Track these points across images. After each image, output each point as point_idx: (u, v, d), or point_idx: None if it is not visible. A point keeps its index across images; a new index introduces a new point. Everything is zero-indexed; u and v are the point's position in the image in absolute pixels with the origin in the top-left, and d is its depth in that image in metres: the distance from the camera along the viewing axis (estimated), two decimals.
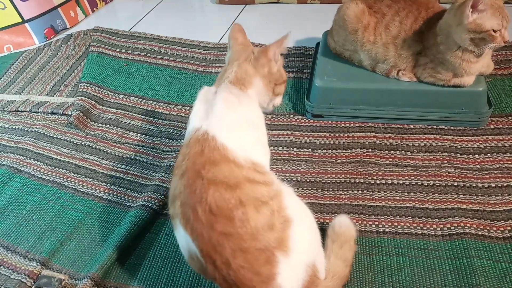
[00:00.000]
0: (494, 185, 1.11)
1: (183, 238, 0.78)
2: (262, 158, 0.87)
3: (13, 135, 1.47)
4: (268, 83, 0.95)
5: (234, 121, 0.85)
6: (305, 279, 0.78)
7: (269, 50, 0.93)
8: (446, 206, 1.07)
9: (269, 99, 0.97)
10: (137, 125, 1.47)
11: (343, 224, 0.97)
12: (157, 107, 1.54)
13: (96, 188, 1.25)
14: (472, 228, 1.01)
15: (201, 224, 0.73)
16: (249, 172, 0.78)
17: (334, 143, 1.30)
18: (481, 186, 1.11)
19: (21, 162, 1.34)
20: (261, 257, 0.73)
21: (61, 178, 1.28)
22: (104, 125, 1.48)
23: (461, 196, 1.09)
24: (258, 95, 0.94)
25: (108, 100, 1.60)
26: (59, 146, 1.39)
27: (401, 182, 1.15)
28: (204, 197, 0.73)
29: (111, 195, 1.22)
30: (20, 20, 2.03)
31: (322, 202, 1.12)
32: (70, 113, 1.52)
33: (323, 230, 1.05)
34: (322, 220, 1.08)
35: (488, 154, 1.20)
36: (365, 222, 1.06)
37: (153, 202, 1.14)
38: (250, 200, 0.74)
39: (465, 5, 1.09)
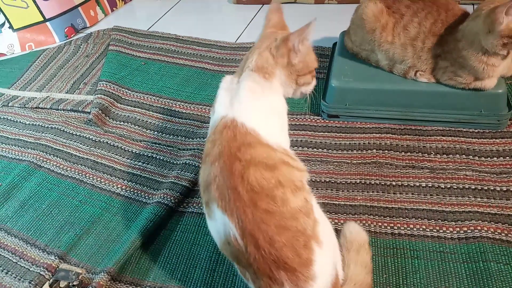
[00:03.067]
0: None
1: (220, 221, 0.76)
2: (287, 147, 0.87)
3: (33, 131, 1.50)
4: (289, 74, 0.88)
5: (259, 109, 0.84)
6: (333, 277, 0.79)
7: (289, 40, 0.86)
8: (463, 209, 1.06)
9: (293, 90, 0.92)
10: (154, 123, 1.49)
11: (353, 230, 0.96)
12: (174, 105, 1.56)
13: (114, 184, 1.27)
14: (489, 232, 1.00)
15: (243, 203, 0.73)
16: (283, 156, 0.79)
17: (349, 143, 1.29)
18: (499, 189, 1.09)
19: (41, 158, 1.37)
20: (301, 239, 0.74)
21: (80, 174, 1.31)
22: (122, 122, 1.50)
23: (479, 199, 1.08)
24: (282, 85, 0.89)
25: (126, 98, 1.62)
26: (78, 142, 1.42)
27: (417, 184, 1.14)
28: (246, 176, 0.73)
29: (128, 191, 1.24)
30: (42, 19, 2.07)
31: (337, 202, 1.12)
32: (89, 111, 1.54)
33: (337, 231, 1.05)
34: (336, 221, 1.07)
35: (507, 157, 1.18)
36: (380, 224, 1.06)
37: (168, 199, 1.16)
38: (288, 182, 0.75)
39: (496, 13, 1.07)
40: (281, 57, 0.87)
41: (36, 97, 1.69)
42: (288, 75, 0.89)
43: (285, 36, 0.87)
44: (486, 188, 1.10)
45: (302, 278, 0.73)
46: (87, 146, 1.41)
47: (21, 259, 1.09)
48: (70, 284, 1.01)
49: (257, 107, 0.84)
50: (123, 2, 2.42)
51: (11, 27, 2.06)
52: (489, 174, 1.14)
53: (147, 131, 1.46)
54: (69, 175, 1.31)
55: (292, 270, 0.73)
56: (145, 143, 1.40)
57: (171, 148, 1.37)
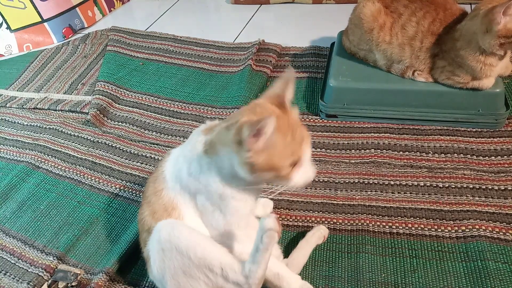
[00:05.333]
0: (510, 188, 1.09)
1: None
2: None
3: (31, 132, 1.50)
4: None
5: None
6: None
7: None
8: (461, 208, 1.06)
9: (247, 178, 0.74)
10: (152, 124, 1.49)
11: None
12: (172, 106, 1.56)
13: (112, 185, 1.27)
14: (487, 230, 1.00)
15: None
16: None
17: (348, 143, 1.30)
18: (497, 188, 1.10)
19: (39, 159, 1.37)
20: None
21: (78, 175, 1.31)
22: (120, 123, 1.50)
23: (477, 198, 1.08)
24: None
25: (124, 98, 1.62)
26: (76, 143, 1.42)
27: (415, 183, 1.14)
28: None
29: (126, 192, 1.24)
30: (40, 19, 2.07)
31: (335, 202, 1.12)
32: (87, 111, 1.54)
33: (335, 230, 1.06)
34: (335, 220, 1.08)
35: (505, 156, 1.18)
36: (378, 223, 1.06)
37: None
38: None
39: (494, 13, 1.07)
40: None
41: (34, 98, 1.69)
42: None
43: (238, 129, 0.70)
44: (484, 187, 1.10)
45: None
46: (85, 146, 1.40)
47: (20, 260, 1.08)
48: (69, 285, 1.01)
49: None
50: (120, 2, 2.42)
51: (8, 27, 2.05)
52: (487, 173, 1.14)
53: (145, 132, 1.46)
54: (67, 176, 1.31)
55: None
56: (143, 143, 1.40)
57: (169, 148, 1.36)
